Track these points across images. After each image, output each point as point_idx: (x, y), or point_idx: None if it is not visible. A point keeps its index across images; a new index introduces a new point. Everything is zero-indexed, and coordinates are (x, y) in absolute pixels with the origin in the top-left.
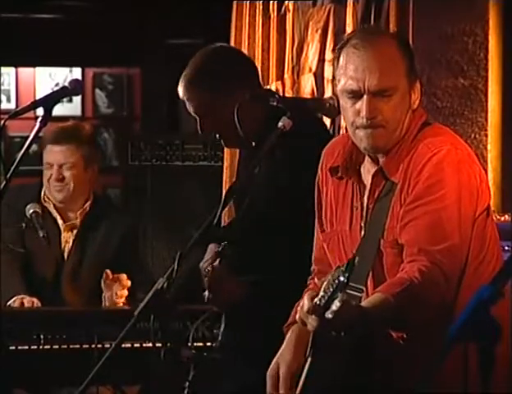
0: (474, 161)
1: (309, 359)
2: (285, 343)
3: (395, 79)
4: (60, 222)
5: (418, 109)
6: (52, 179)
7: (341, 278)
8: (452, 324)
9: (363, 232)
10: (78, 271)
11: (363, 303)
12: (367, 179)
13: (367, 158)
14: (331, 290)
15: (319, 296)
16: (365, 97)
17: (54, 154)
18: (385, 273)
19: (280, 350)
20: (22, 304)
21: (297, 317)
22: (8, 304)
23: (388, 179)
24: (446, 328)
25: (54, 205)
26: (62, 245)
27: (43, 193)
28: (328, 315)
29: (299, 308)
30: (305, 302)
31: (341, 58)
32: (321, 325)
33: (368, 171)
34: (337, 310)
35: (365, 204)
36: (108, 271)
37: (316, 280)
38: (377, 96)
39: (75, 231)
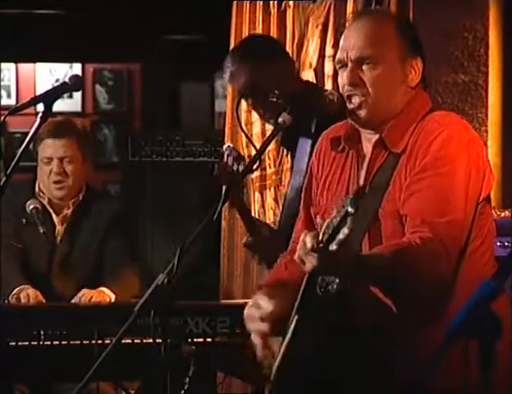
0: (482, 145)
1: (296, 317)
2: (258, 295)
3: (381, 50)
4: (54, 216)
5: (421, 92)
6: (52, 173)
7: (349, 209)
8: (452, 319)
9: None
10: (68, 259)
11: None
12: (367, 149)
13: (366, 131)
14: (338, 220)
15: (322, 232)
16: (348, 65)
17: (54, 148)
18: (383, 244)
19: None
20: (27, 295)
21: (295, 256)
22: (13, 294)
23: (390, 150)
24: (443, 309)
25: (49, 199)
26: (58, 240)
27: (37, 188)
28: (333, 246)
29: (298, 246)
30: (307, 239)
31: (342, 37)
32: (321, 262)
33: (368, 141)
34: (344, 239)
35: (363, 174)
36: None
37: (287, 257)
38: (359, 64)
39: (66, 222)
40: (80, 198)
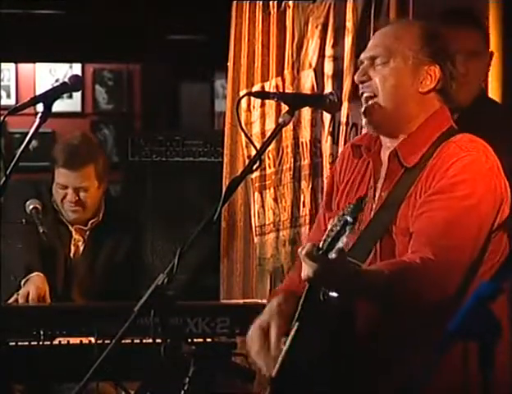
0: (501, 173)
1: (296, 325)
2: (270, 307)
3: (392, 52)
4: (69, 226)
5: (443, 110)
6: (66, 200)
7: (348, 218)
8: (451, 321)
9: (372, 213)
10: (85, 282)
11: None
12: (385, 159)
13: (385, 140)
14: (337, 228)
15: (322, 240)
16: (362, 67)
17: (68, 178)
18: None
19: (264, 315)
20: (27, 294)
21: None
22: (25, 280)
23: (402, 163)
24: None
25: (67, 221)
26: (73, 248)
27: (55, 206)
28: (332, 255)
29: (298, 251)
30: (306, 247)
31: None
32: (318, 270)
33: (387, 150)
34: (343, 248)
35: (379, 187)
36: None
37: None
38: (371, 61)
39: (85, 236)
40: (100, 218)
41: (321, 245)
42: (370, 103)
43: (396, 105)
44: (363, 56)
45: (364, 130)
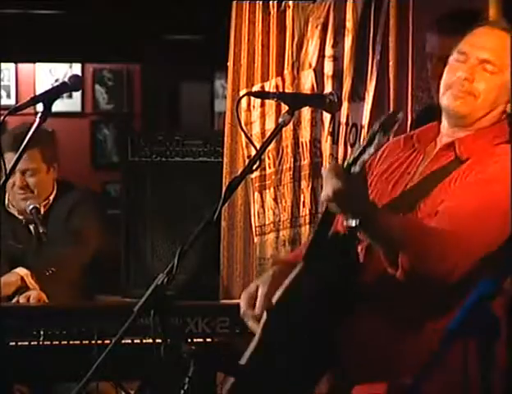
0: None
1: (301, 264)
2: (267, 273)
3: (502, 60)
4: (31, 227)
5: (506, 122)
6: (15, 187)
7: (377, 126)
8: (451, 320)
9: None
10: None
11: None
12: (433, 151)
13: (444, 135)
14: (365, 143)
15: (348, 156)
16: (471, 63)
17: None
18: None
19: (261, 277)
20: (28, 296)
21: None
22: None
23: (456, 155)
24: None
25: (18, 211)
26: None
27: (7, 199)
28: (356, 168)
29: (322, 170)
30: (331, 164)
31: (469, 35)
32: (339, 186)
33: (438, 143)
34: (367, 159)
35: (421, 168)
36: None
37: None
38: (481, 65)
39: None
40: (51, 200)
41: (346, 161)
42: (469, 97)
43: (485, 107)
44: (472, 51)
45: (364, 131)
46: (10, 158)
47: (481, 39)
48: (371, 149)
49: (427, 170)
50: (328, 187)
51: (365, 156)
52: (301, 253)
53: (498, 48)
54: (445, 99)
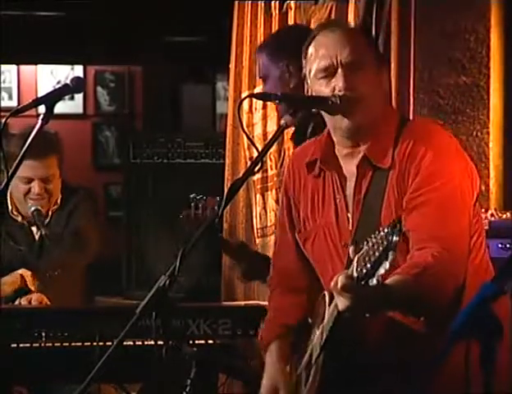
0: (458, 142)
1: (322, 355)
2: (271, 364)
3: (365, 54)
4: (34, 229)
5: (387, 105)
6: (31, 193)
7: (394, 238)
8: (453, 321)
9: (351, 222)
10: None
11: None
12: (347, 170)
13: (345, 150)
14: (378, 253)
15: (356, 269)
16: (339, 71)
17: (34, 170)
18: None
19: (269, 373)
20: (30, 298)
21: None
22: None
23: (375, 166)
24: (454, 312)
25: (23, 217)
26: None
27: (10, 205)
28: (373, 281)
29: (331, 285)
30: (340, 278)
31: (310, 50)
32: (356, 301)
33: (349, 161)
34: (384, 274)
35: (351, 195)
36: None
37: (277, 295)
38: (351, 69)
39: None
40: (58, 203)
41: (355, 274)
42: (356, 106)
43: (373, 105)
44: (329, 62)
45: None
46: (27, 165)
47: (334, 47)
48: (387, 264)
49: (358, 192)
50: (344, 301)
51: (381, 271)
52: (282, 273)
53: (354, 46)
54: (337, 120)
